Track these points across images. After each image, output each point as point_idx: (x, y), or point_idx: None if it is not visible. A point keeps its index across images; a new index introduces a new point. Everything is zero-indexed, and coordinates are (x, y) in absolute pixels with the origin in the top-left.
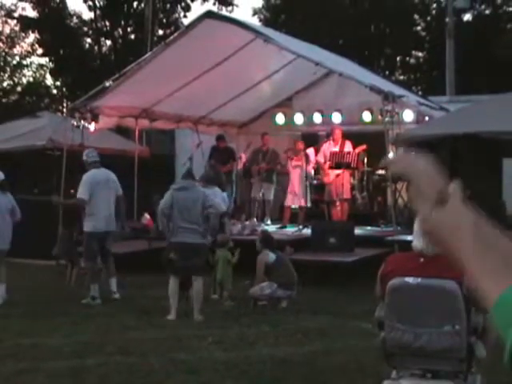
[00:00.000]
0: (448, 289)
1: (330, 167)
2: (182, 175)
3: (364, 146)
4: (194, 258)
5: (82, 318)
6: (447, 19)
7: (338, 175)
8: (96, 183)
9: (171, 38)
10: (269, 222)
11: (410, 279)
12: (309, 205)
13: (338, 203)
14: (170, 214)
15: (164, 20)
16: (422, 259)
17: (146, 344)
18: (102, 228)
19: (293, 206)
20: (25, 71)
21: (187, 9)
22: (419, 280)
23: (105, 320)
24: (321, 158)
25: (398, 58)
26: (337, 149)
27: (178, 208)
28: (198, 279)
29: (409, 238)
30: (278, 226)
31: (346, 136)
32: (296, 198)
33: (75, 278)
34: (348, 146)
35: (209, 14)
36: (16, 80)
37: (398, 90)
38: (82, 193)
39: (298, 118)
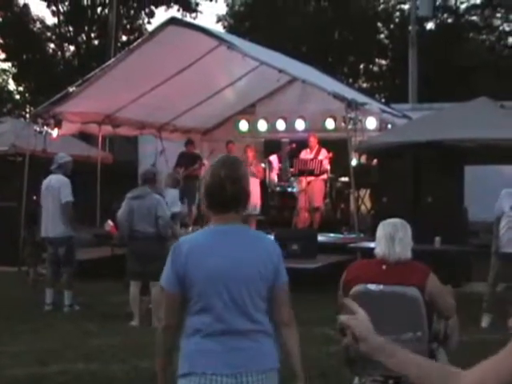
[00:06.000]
0: (410, 296)
1: (293, 174)
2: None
3: (330, 154)
4: (151, 264)
5: (44, 324)
6: (410, 27)
7: (309, 183)
8: (42, 189)
9: (135, 44)
10: None
11: (372, 286)
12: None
13: (306, 212)
14: (130, 222)
15: (128, 26)
16: (384, 266)
17: (108, 351)
18: (42, 234)
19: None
20: None
21: (151, 15)
22: (381, 287)
23: (66, 327)
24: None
25: (361, 66)
26: (311, 156)
27: (133, 216)
28: (156, 285)
29: (371, 244)
30: None
31: (307, 143)
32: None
33: (32, 282)
34: (323, 154)
35: (173, 21)
36: None
37: (361, 98)
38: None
39: (262, 125)
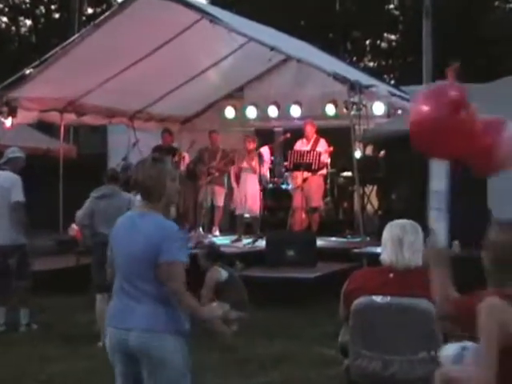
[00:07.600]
0: (422, 309)
1: (287, 169)
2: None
3: (331, 149)
4: None
5: None
6: None
7: (306, 179)
8: None
9: (102, 17)
10: (217, 232)
11: (377, 298)
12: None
13: (302, 212)
14: (92, 225)
15: None
16: (391, 274)
17: (72, 377)
18: None
19: (246, 215)
20: None
21: None
22: (388, 299)
23: (24, 350)
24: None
25: (367, 42)
26: (308, 147)
27: (99, 218)
28: None
29: (378, 249)
30: (234, 238)
31: (303, 132)
32: (246, 206)
33: None
34: (321, 145)
35: None
36: None
37: (366, 79)
38: None
39: (251, 112)
